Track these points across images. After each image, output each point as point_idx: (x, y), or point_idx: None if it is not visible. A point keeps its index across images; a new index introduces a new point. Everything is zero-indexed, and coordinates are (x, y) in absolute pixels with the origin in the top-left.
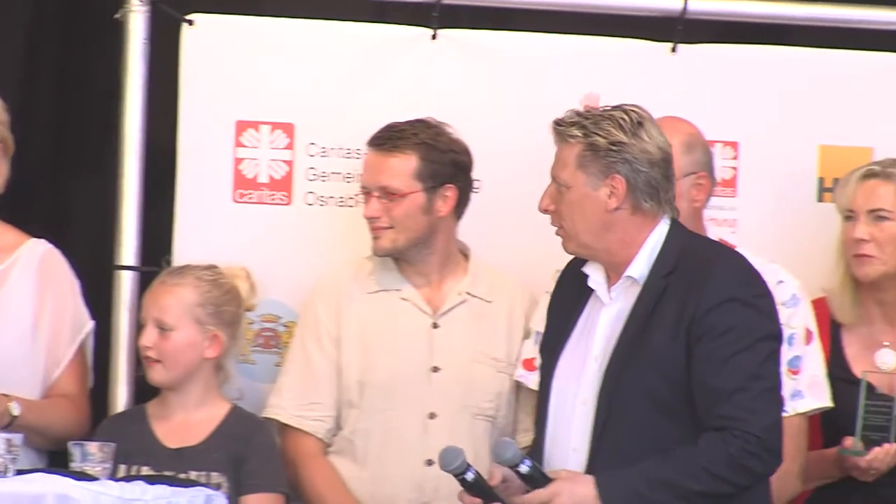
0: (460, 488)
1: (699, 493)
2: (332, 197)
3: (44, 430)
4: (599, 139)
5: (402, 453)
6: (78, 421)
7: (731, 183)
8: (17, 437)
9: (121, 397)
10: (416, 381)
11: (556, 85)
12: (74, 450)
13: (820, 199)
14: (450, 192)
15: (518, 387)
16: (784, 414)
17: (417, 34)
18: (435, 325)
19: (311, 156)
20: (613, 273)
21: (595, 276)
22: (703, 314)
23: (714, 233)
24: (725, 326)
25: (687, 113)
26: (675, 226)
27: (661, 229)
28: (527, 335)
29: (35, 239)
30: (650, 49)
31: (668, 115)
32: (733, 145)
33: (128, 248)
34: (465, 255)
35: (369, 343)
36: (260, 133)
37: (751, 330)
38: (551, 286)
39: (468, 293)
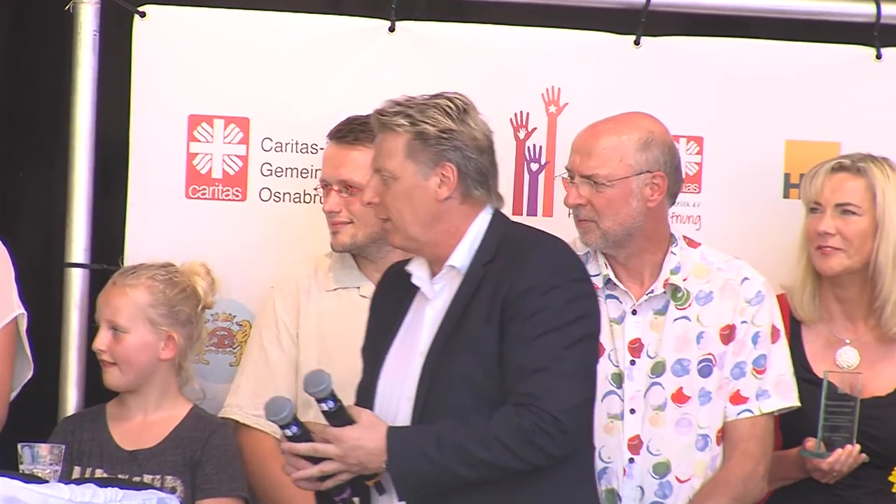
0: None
1: (484, 462)
2: (287, 193)
3: None
4: (428, 127)
5: None
6: None
7: (695, 178)
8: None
9: (72, 398)
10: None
11: (518, 79)
12: (24, 451)
13: (786, 196)
14: None
15: None
16: (749, 414)
17: (375, 26)
18: None
19: (267, 151)
20: (438, 266)
21: (418, 272)
22: (515, 297)
23: (678, 230)
24: (536, 308)
25: (650, 107)
26: (497, 215)
27: (484, 218)
28: None
29: None
30: (613, 42)
31: (630, 109)
32: (698, 140)
33: (78, 245)
34: None
35: (328, 342)
36: (214, 128)
37: (561, 312)
38: None
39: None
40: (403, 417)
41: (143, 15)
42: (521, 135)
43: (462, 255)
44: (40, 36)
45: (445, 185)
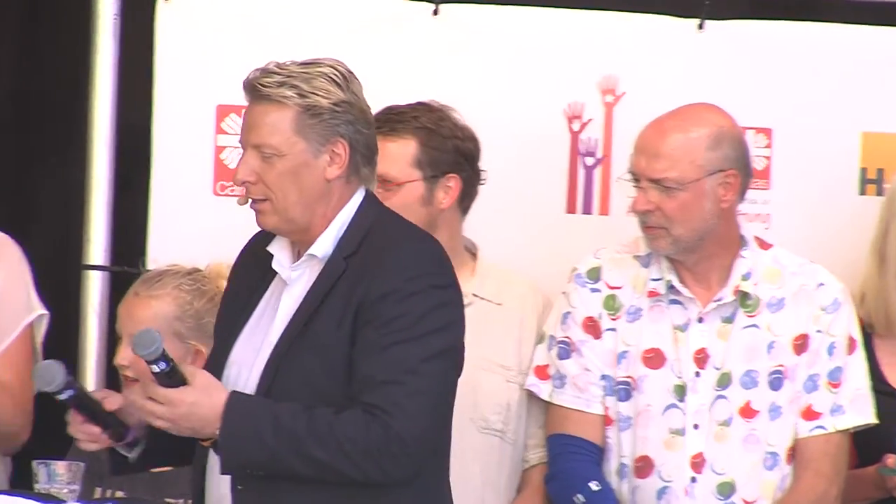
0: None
1: (318, 461)
2: None
3: None
4: (320, 99)
5: None
6: (14, 413)
7: (763, 174)
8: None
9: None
10: None
11: (571, 66)
12: (40, 469)
13: (862, 192)
14: (452, 183)
15: (529, 398)
16: (822, 431)
17: (417, 9)
18: None
19: None
20: (302, 250)
21: (280, 255)
22: (372, 301)
23: (749, 230)
24: (393, 314)
25: (715, 97)
26: (370, 198)
27: (355, 201)
28: (540, 339)
29: None
30: (674, 26)
31: (693, 100)
32: (766, 132)
33: (96, 246)
34: (472, 253)
35: None
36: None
37: (421, 320)
38: (568, 287)
39: (475, 295)
40: None
41: None
42: (576, 126)
43: (326, 243)
44: (56, 21)
45: (336, 164)
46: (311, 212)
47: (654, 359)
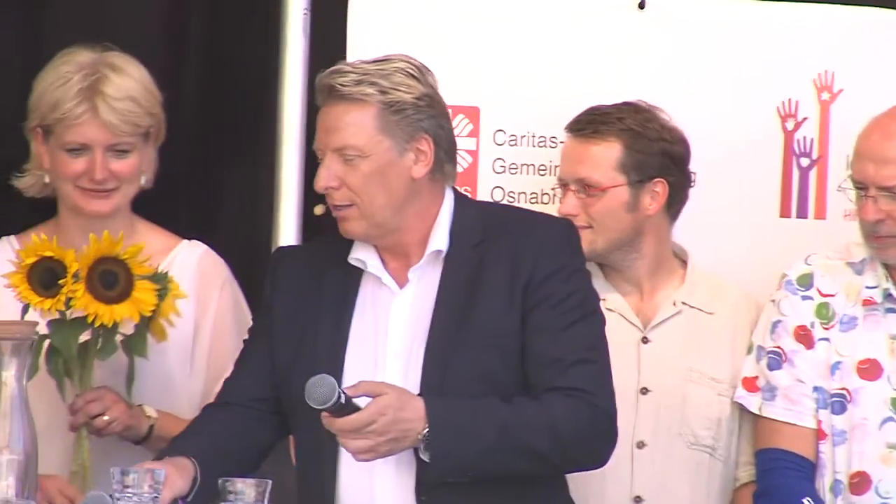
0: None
1: (535, 453)
2: (523, 192)
3: None
4: (403, 94)
5: (606, 487)
6: None
7: None
8: (160, 473)
9: None
10: (623, 405)
11: (785, 62)
12: (226, 487)
13: None
14: (659, 188)
15: (741, 412)
16: None
17: (622, 2)
18: (645, 340)
19: (499, 144)
20: (394, 254)
21: (372, 261)
22: (539, 281)
23: None
24: (566, 292)
25: None
26: (459, 193)
27: (450, 198)
28: (748, 350)
29: (188, 241)
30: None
31: None
32: None
33: None
34: (681, 260)
35: None
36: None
37: (587, 299)
38: (777, 295)
39: (684, 303)
40: None
41: None
42: (790, 126)
43: (442, 238)
44: (242, 18)
45: (422, 162)
46: (400, 214)
47: (870, 370)
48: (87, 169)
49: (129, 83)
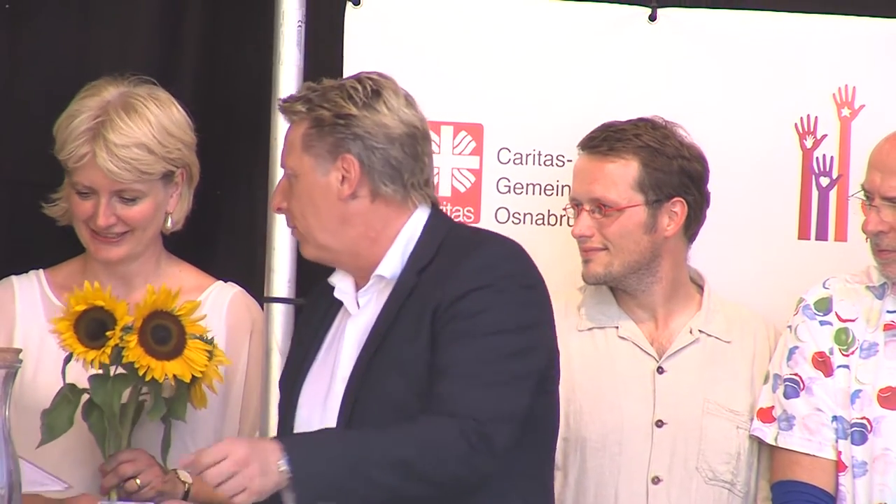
0: None
1: (405, 462)
2: (529, 213)
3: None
4: (324, 112)
5: None
6: None
7: None
8: None
9: None
10: (637, 438)
11: (803, 76)
12: None
13: None
14: (678, 208)
15: (760, 445)
16: None
17: (632, 14)
18: (660, 370)
19: (504, 163)
20: (362, 278)
21: (342, 284)
22: (450, 302)
23: None
24: (470, 313)
25: None
26: (437, 214)
27: (418, 219)
28: (765, 379)
29: (222, 282)
30: None
31: None
32: None
33: (280, 277)
34: (698, 285)
35: (579, 392)
36: (441, 136)
37: (507, 317)
38: (794, 320)
39: (701, 331)
40: None
41: (357, 3)
42: (809, 143)
43: (392, 263)
44: (237, 31)
45: (347, 181)
46: (340, 236)
47: (892, 398)
48: (94, 213)
49: (139, 129)
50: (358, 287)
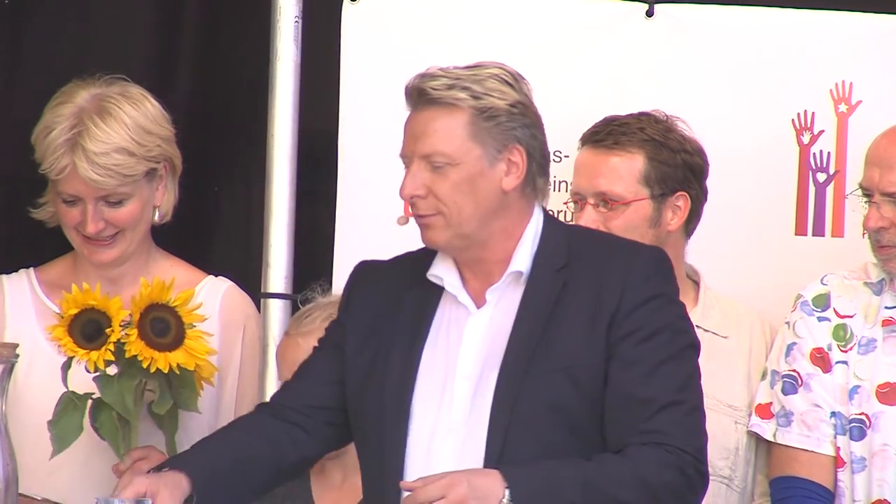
0: None
1: None
2: None
3: None
4: (495, 100)
5: None
6: None
7: None
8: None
9: None
10: None
11: (800, 72)
12: None
13: None
14: (681, 202)
15: (757, 441)
16: None
17: (629, 10)
18: None
19: None
20: (475, 272)
21: (450, 278)
22: (628, 311)
23: None
24: (654, 328)
25: None
26: (548, 214)
27: (539, 218)
28: (763, 375)
29: (213, 276)
30: None
31: None
32: None
33: (276, 272)
34: (694, 281)
35: None
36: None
37: (679, 333)
38: (792, 316)
39: (698, 327)
40: (448, 456)
41: None
42: (805, 139)
43: (524, 259)
44: (234, 28)
45: (514, 173)
46: (487, 227)
47: (890, 394)
48: (83, 220)
49: (116, 133)
50: (465, 281)
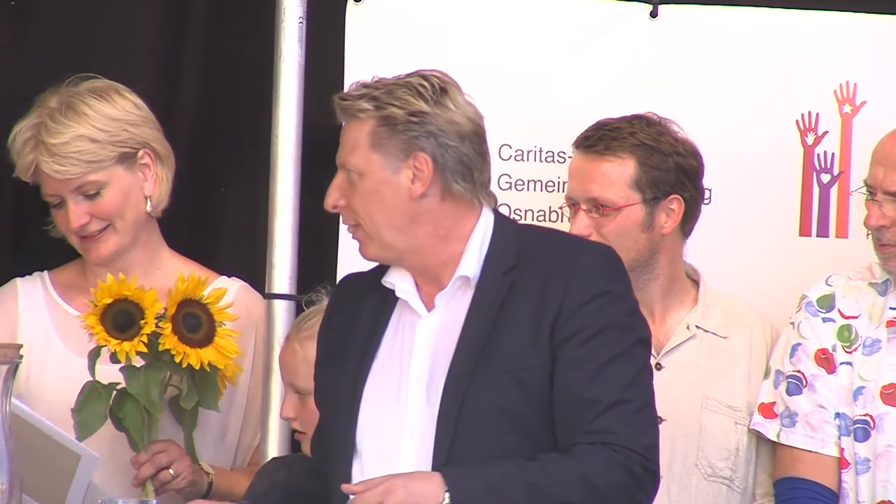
0: None
1: None
2: (530, 210)
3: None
4: (395, 110)
5: None
6: None
7: None
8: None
9: (272, 447)
10: None
11: (804, 73)
12: None
13: None
14: (675, 205)
15: (758, 440)
16: None
17: (633, 11)
18: (658, 366)
19: (505, 160)
20: (425, 277)
21: (402, 284)
22: (571, 312)
23: None
24: (598, 327)
25: None
26: (500, 216)
27: (487, 218)
28: (765, 375)
29: (225, 277)
30: None
31: None
32: None
33: (281, 273)
34: (693, 280)
35: None
36: None
37: (626, 331)
38: (797, 317)
39: (698, 327)
40: (407, 457)
41: None
42: (809, 140)
43: (472, 264)
44: (239, 28)
45: (419, 180)
46: (409, 235)
47: (895, 395)
48: (69, 218)
49: (76, 123)
50: (419, 287)
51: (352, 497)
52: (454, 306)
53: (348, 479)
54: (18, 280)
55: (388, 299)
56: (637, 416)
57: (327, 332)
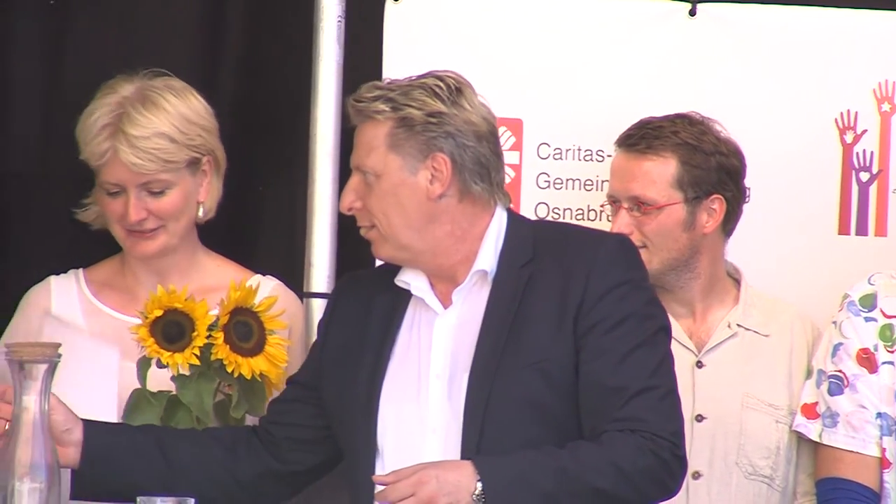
0: None
1: (600, 492)
2: (569, 209)
3: None
4: (413, 111)
5: None
6: None
7: None
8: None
9: None
10: None
11: (843, 71)
12: None
13: None
14: (716, 204)
15: (799, 440)
16: None
17: (672, 9)
18: (699, 364)
19: (544, 158)
20: (440, 277)
21: (417, 282)
22: (593, 302)
23: None
24: (620, 316)
25: None
26: (514, 213)
27: (501, 216)
28: (808, 375)
29: (260, 275)
30: None
31: None
32: None
33: (320, 271)
34: (735, 279)
35: None
36: None
37: (647, 319)
38: (839, 316)
39: (740, 325)
40: (432, 454)
41: None
42: (849, 138)
43: (488, 258)
44: (276, 28)
45: (438, 181)
46: (425, 235)
47: None
48: (125, 211)
49: (158, 119)
50: (433, 285)
51: (379, 488)
52: (471, 302)
53: (371, 472)
54: (53, 278)
55: (401, 297)
56: (663, 403)
57: (331, 327)
